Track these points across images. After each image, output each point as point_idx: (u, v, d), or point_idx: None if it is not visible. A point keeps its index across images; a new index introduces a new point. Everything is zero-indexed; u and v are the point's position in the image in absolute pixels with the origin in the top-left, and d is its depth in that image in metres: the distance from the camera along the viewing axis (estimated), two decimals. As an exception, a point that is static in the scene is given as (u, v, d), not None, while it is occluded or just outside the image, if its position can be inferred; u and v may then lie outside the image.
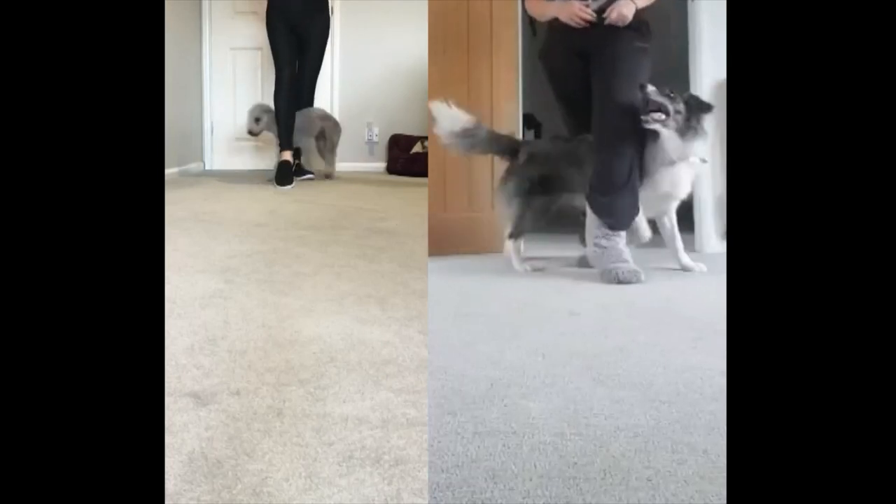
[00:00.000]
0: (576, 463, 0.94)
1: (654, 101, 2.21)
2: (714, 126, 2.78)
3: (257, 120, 3.96)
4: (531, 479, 0.90)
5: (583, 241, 2.50)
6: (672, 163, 2.27)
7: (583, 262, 2.48)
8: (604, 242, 2.28)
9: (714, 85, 2.80)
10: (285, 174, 3.72)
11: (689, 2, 2.86)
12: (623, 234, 2.29)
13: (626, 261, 2.24)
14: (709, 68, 2.80)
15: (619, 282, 2.18)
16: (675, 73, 2.94)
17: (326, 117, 4.19)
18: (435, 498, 0.86)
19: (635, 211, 2.30)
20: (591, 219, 2.32)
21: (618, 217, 2.28)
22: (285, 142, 3.83)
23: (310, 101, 4.02)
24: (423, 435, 1.00)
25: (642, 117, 2.21)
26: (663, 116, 2.21)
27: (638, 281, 2.19)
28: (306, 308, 1.56)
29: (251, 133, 4.01)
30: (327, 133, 4.16)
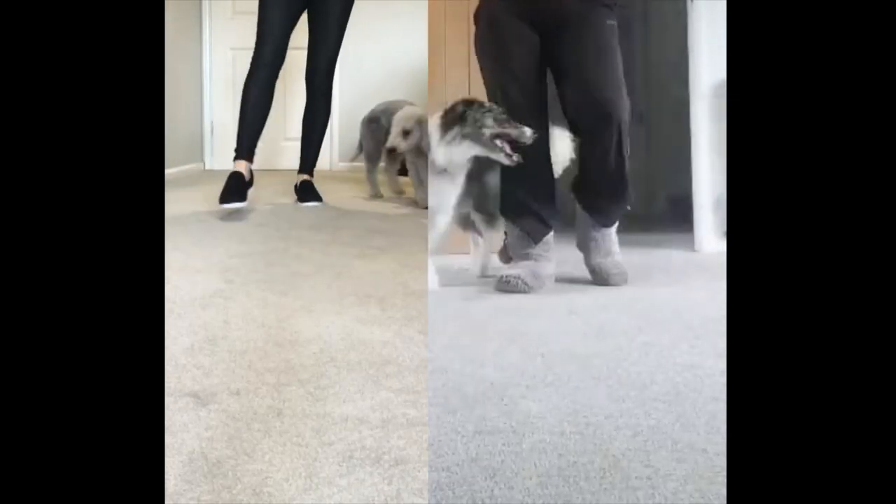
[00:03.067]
0: (575, 462, 0.94)
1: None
2: (715, 126, 2.79)
3: (406, 133, 2.78)
4: (531, 478, 0.90)
5: (504, 256, 2.37)
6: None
7: (502, 285, 2.12)
8: (596, 236, 2.19)
9: (714, 85, 2.80)
10: (235, 188, 2.69)
11: (689, 2, 2.86)
12: (613, 228, 2.21)
13: (613, 256, 2.18)
14: (709, 68, 2.80)
15: (610, 276, 2.12)
16: (676, 73, 2.95)
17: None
18: (435, 497, 0.86)
19: (623, 208, 2.19)
20: (579, 217, 2.22)
21: (610, 214, 2.19)
22: (245, 148, 2.83)
23: (326, 96, 3.09)
24: (423, 435, 1.00)
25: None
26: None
27: (625, 281, 2.13)
28: (306, 308, 1.56)
29: (393, 151, 2.89)
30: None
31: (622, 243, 2.24)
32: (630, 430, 1.04)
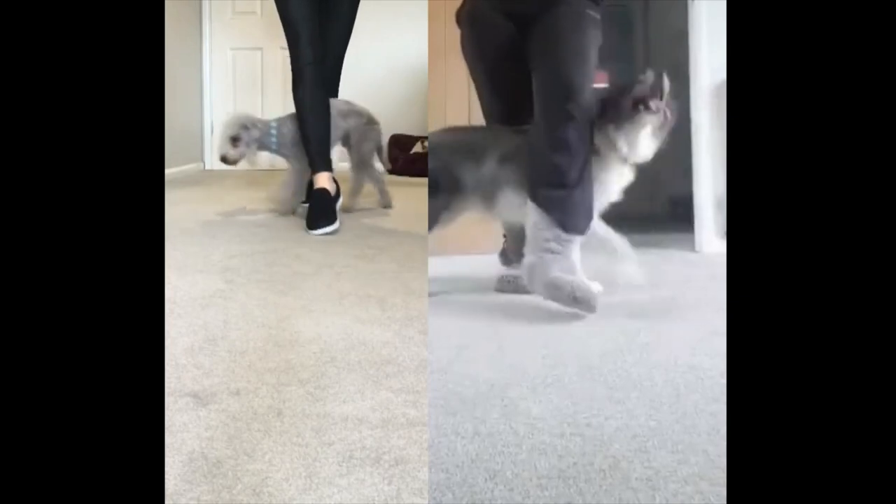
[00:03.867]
0: (576, 463, 0.94)
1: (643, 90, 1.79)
2: (714, 125, 2.79)
3: (235, 140, 2.66)
4: (531, 480, 0.90)
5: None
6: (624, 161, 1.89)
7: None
8: (555, 247, 1.78)
9: (714, 85, 2.80)
10: (323, 210, 2.40)
11: (689, 2, 2.86)
12: (578, 241, 1.82)
13: (578, 275, 1.77)
14: (709, 68, 2.81)
15: (575, 301, 1.69)
16: (676, 74, 2.94)
17: (351, 113, 2.86)
18: (435, 498, 0.86)
19: (591, 214, 1.85)
20: (534, 221, 1.83)
21: (573, 215, 1.79)
22: (319, 159, 2.56)
23: (333, 92, 2.81)
24: (423, 435, 1.00)
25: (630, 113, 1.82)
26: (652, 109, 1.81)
27: (593, 308, 1.69)
28: (306, 308, 1.56)
29: (225, 160, 2.69)
30: (353, 139, 2.87)
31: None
32: (630, 431, 1.04)
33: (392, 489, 0.86)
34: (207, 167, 4.75)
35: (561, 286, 1.72)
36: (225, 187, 3.68)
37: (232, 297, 1.62)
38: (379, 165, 2.98)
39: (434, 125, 2.31)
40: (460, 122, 2.75)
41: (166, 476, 0.87)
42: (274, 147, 2.78)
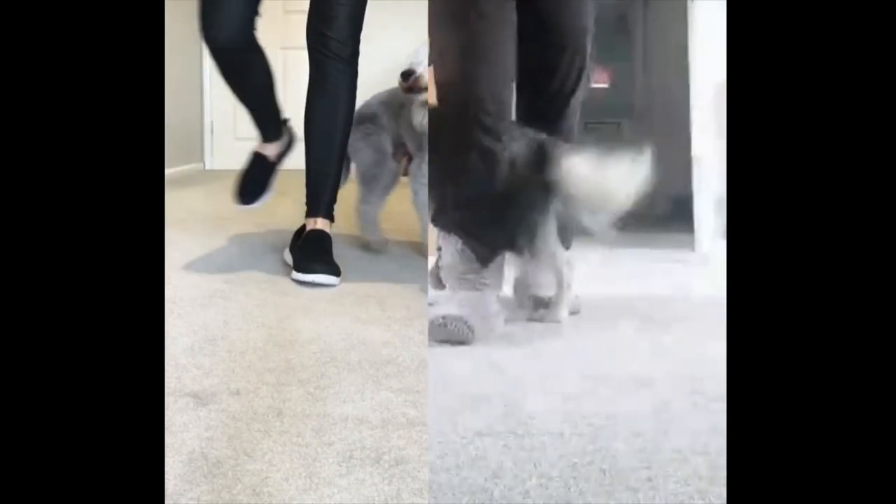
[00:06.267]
0: (575, 463, 0.94)
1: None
2: (715, 125, 2.79)
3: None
4: (531, 479, 0.90)
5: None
6: None
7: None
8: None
9: (714, 85, 2.80)
10: (319, 252, 1.80)
11: (689, 2, 2.86)
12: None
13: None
14: (709, 68, 2.80)
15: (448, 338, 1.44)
16: (676, 73, 2.95)
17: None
18: (435, 497, 0.86)
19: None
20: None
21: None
22: (313, 199, 1.91)
23: (347, 71, 2.13)
24: (423, 435, 1.00)
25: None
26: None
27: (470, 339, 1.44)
28: (306, 308, 1.56)
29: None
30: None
31: (623, 243, 2.23)
32: (630, 430, 1.04)
33: (392, 489, 0.86)
34: (207, 167, 4.75)
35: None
36: (225, 187, 3.68)
37: (232, 297, 1.62)
38: None
39: (434, 125, 2.30)
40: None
41: (166, 476, 0.87)
42: None
